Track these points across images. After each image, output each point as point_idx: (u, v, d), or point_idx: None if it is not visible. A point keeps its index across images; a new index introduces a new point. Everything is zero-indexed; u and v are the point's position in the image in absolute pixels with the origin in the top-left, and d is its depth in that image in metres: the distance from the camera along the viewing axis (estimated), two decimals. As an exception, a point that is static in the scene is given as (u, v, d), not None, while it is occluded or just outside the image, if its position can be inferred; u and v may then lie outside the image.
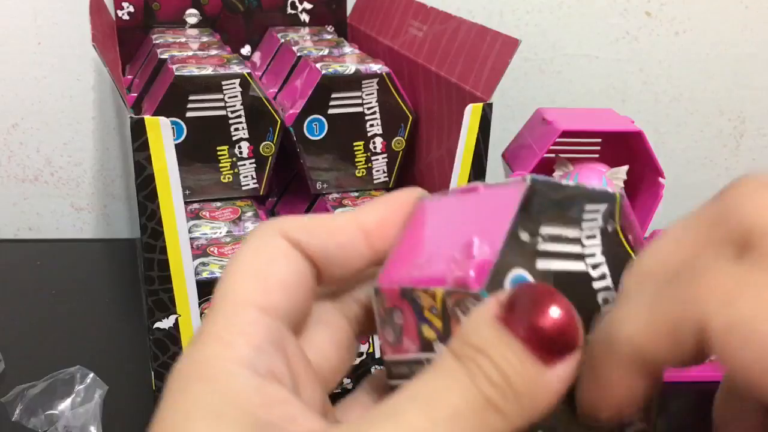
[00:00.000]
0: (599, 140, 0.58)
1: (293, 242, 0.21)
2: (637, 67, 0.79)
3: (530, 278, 0.18)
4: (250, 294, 0.19)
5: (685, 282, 0.17)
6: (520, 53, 0.47)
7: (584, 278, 0.19)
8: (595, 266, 0.20)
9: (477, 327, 0.17)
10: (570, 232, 0.19)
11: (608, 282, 0.20)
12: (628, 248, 0.21)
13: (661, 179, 0.55)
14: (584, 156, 0.58)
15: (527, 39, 0.76)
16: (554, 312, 0.17)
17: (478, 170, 0.49)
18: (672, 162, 0.83)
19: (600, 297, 0.20)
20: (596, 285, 0.20)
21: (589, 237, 0.20)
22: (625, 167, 0.55)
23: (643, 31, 0.78)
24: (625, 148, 0.57)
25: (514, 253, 0.18)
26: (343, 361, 0.22)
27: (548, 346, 0.17)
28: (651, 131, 0.81)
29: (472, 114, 0.47)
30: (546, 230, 0.19)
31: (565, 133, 0.54)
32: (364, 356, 0.51)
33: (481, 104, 0.47)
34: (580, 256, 0.19)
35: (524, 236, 0.18)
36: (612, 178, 0.55)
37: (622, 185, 0.55)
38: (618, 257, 0.20)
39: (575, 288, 0.19)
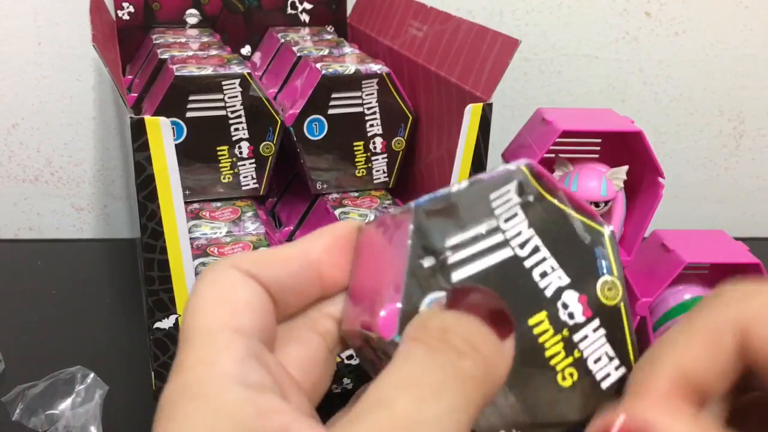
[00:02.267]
0: (599, 140, 0.58)
1: (246, 272, 0.21)
2: (636, 67, 0.79)
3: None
4: (219, 318, 0.20)
5: (721, 304, 0.19)
6: (520, 53, 0.47)
7: (513, 262, 0.20)
8: (523, 244, 0.20)
9: (432, 315, 0.19)
10: (481, 228, 0.20)
11: (543, 253, 0.20)
12: (561, 206, 0.21)
13: (660, 179, 0.55)
14: (584, 156, 0.58)
15: (527, 39, 0.77)
16: (491, 297, 0.19)
17: (477, 170, 0.49)
18: (672, 162, 0.83)
19: (535, 274, 0.20)
20: (528, 263, 0.20)
21: (508, 219, 0.20)
22: (625, 167, 0.55)
23: (642, 31, 0.78)
24: (625, 148, 0.57)
25: (420, 284, 0.19)
26: (321, 375, 0.23)
27: (498, 321, 0.19)
28: (651, 131, 0.81)
29: (472, 114, 0.47)
30: (450, 242, 0.19)
31: (565, 133, 0.54)
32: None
33: (481, 104, 0.47)
34: (503, 243, 0.20)
35: (427, 262, 0.19)
36: (612, 178, 0.55)
37: (622, 185, 0.55)
38: (551, 222, 0.20)
39: (505, 276, 0.20)
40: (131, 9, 0.68)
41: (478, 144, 0.48)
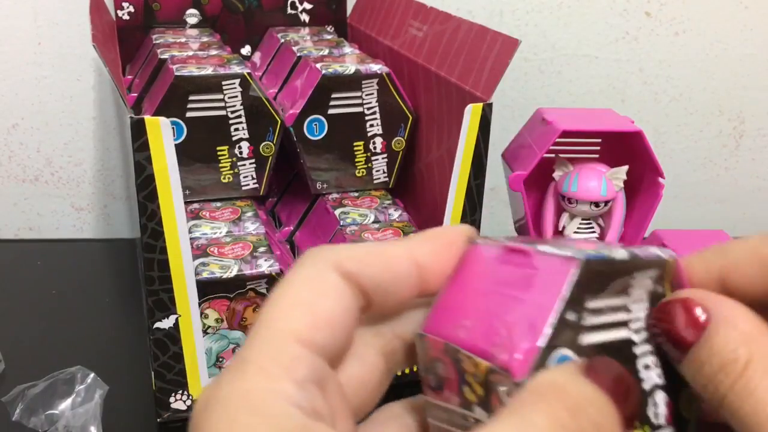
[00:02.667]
0: (599, 140, 0.58)
1: (346, 274, 0.20)
2: (636, 67, 0.79)
3: (574, 357, 0.19)
4: (297, 326, 0.19)
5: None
6: (520, 53, 0.47)
7: (626, 344, 0.20)
8: (639, 330, 0.20)
9: (572, 380, 0.18)
10: (616, 301, 0.20)
11: (651, 347, 0.20)
12: None
13: (660, 179, 0.55)
14: (584, 156, 0.58)
15: (527, 39, 0.77)
16: (629, 383, 0.18)
17: (478, 170, 0.49)
18: (672, 162, 0.83)
19: (640, 363, 0.20)
20: (636, 350, 0.20)
21: (636, 301, 0.20)
22: (625, 167, 0.55)
23: (642, 31, 0.78)
24: (625, 148, 0.57)
25: (559, 335, 0.19)
26: (373, 395, 0.22)
27: (630, 415, 0.18)
28: (651, 131, 0.81)
29: (472, 114, 0.47)
30: (591, 304, 0.19)
31: (565, 133, 0.54)
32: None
33: (481, 104, 0.47)
34: (624, 323, 0.20)
35: (571, 316, 0.19)
36: (612, 178, 0.55)
37: (622, 185, 0.55)
38: None
39: (616, 355, 0.19)
40: (131, 9, 0.68)
41: (478, 144, 0.48)
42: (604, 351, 0.19)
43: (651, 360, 0.20)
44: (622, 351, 0.20)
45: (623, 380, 0.18)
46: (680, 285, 0.21)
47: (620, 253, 0.20)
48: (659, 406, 0.20)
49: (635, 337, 0.20)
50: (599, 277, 0.19)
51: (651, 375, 0.20)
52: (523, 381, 0.18)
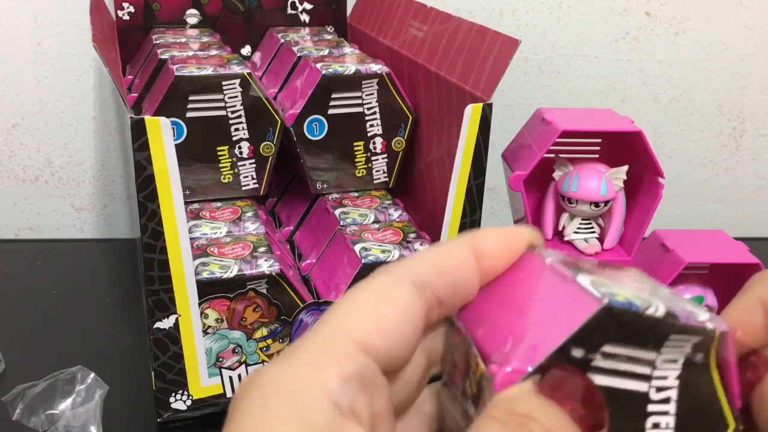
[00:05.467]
0: (599, 140, 0.58)
1: (421, 284, 0.21)
2: (636, 67, 0.79)
3: None
4: (356, 328, 0.19)
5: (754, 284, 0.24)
6: (520, 53, 0.47)
7: (639, 398, 0.19)
8: (660, 389, 0.20)
9: (521, 398, 0.18)
10: (640, 354, 0.19)
11: (670, 407, 0.20)
12: (717, 385, 0.20)
13: (660, 179, 0.55)
14: (584, 156, 0.58)
15: (527, 39, 0.77)
16: (589, 393, 0.18)
17: (478, 170, 0.49)
18: (672, 162, 0.83)
19: (650, 421, 0.20)
20: (651, 408, 0.20)
21: (667, 361, 0.20)
22: (625, 167, 0.55)
23: (642, 31, 0.78)
24: (625, 148, 0.57)
25: (556, 365, 0.19)
26: (416, 392, 0.23)
27: (588, 420, 0.18)
28: (651, 131, 0.81)
29: (472, 114, 0.47)
30: (608, 348, 0.19)
31: (565, 133, 0.54)
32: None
33: (481, 104, 0.47)
34: (645, 377, 0.19)
35: (577, 353, 0.19)
36: (612, 178, 0.55)
37: (622, 185, 0.55)
38: (698, 388, 0.20)
39: (624, 406, 0.19)
40: (131, 9, 0.68)
41: (478, 144, 0.48)
42: (610, 395, 0.19)
43: (666, 422, 0.20)
44: (632, 402, 0.19)
45: (584, 391, 0.18)
46: (726, 363, 0.20)
47: (656, 311, 0.19)
48: None
49: (654, 395, 0.19)
50: (623, 326, 0.19)
51: None
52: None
